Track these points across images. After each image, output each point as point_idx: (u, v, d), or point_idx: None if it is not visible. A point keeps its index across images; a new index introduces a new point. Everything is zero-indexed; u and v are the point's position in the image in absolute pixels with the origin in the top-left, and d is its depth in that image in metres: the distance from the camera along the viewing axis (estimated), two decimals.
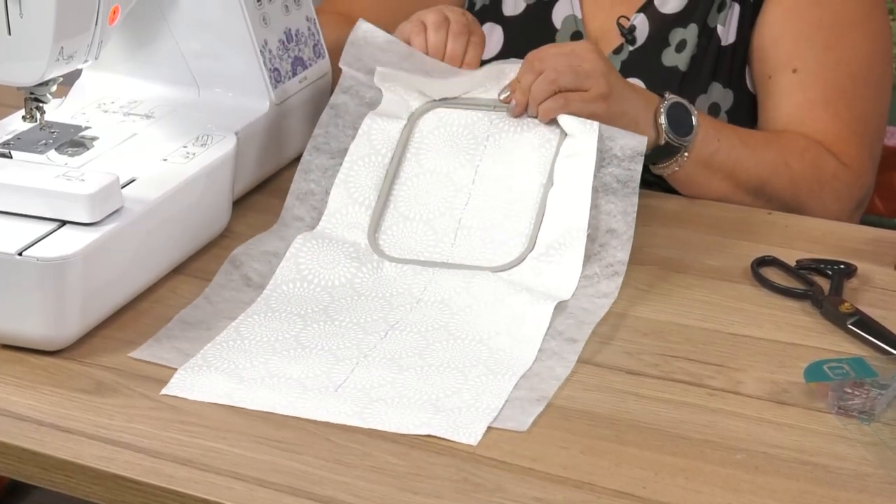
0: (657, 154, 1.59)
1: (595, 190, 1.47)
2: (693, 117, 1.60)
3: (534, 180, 1.50)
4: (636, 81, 1.72)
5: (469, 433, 1.21)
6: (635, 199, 1.48)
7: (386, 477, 1.16)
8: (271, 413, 1.24)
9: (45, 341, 1.32)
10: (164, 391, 1.27)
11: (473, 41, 1.61)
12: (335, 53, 1.67)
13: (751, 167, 1.64)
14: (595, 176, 1.47)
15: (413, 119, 1.56)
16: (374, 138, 1.54)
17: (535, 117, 1.53)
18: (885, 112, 1.76)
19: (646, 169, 1.54)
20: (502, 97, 1.55)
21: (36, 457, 1.20)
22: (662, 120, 1.58)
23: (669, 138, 1.58)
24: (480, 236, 1.48)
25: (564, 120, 1.51)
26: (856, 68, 1.70)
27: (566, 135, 1.52)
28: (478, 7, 1.85)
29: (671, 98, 1.60)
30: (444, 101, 1.58)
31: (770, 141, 1.67)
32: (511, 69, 1.57)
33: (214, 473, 1.17)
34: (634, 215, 1.47)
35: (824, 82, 1.70)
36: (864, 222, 1.76)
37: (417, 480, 1.16)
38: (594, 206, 1.46)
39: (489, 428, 1.22)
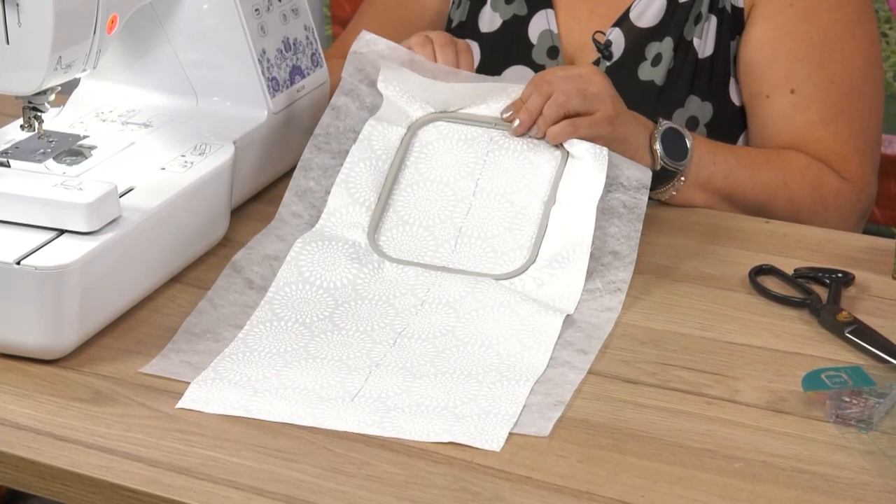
0: (654, 179, 1.60)
1: (600, 212, 1.48)
2: (687, 141, 1.61)
3: (536, 197, 1.51)
4: None
5: (492, 440, 1.21)
6: (639, 226, 1.49)
7: (384, 486, 1.16)
8: (269, 421, 1.24)
9: (43, 350, 1.32)
10: (179, 405, 1.27)
11: (461, 49, 1.63)
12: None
13: (749, 189, 1.64)
14: (601, 199, 1.48)
15: (413, 129, 1.57)
16: (374, 144, 1.55)
17: (538, 137, 1.54)
18: (880, 118, 1.76)
19: None
20: (505, 116, 1.55)
21: (34, 466, 1.20)
22: (658, 146, 1.59)
23: (665, 163, 1.59)
24: (481, 245, 1.48)
25: (574, 144, 1.52)
26: (850, 82, 1.71)
27: (569, 156, 1.53)
28: (454, 24, 1.85)
29: (665, 124, 1.61)
30: (445, 114, 1.58)
31: (769, 161, 1.67)
32: (514, 89, 1.57)
33: (212, 482, 1.17)
34: (638, 240, 1.48)
35: (822, 102, 1.70)
36: (862, 231, 1.76)
37: (415, 489, 1.16)
38: (598, 228, 1.47)
39: (510, 434, 1.22)
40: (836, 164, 1.69)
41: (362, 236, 1.49)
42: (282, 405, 1.26)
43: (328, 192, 1.52)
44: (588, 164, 1.50)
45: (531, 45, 1.79)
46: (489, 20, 1.82)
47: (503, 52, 1.80)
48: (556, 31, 1.78)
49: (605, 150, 1.51)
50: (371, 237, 1.48)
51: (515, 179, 1.53)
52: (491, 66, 1.80)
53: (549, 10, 1.79)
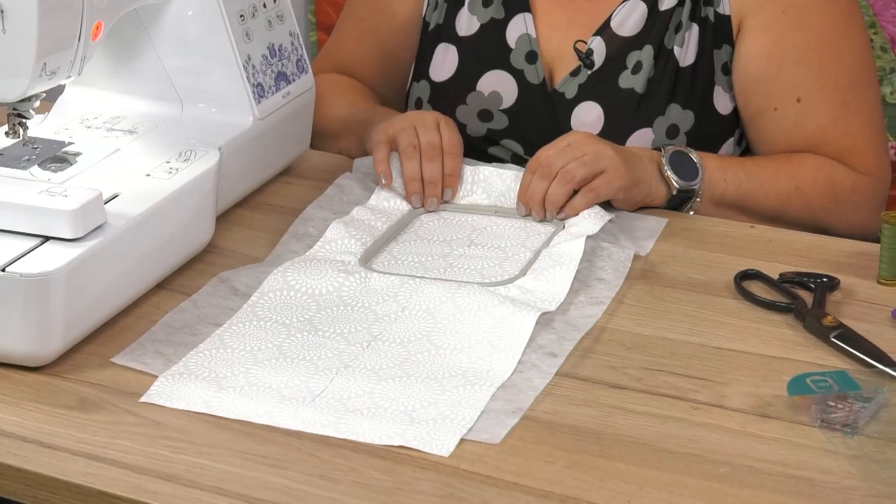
0: (673, 204, 1.63)
1: (591, 248, 1.51)
2: (693, 156, 1.64)
3: (528, 248, 1.54)
4: (593, 105, 1.73)
5: (441, 445, 1.22)
6: (628, 264, 1.51)
7: (371, 492, 1.16)
8: (256, 428, 1.24)
9: (29, 357, 1.32)
10: (143, 399, 1.27)
11: (449, 155, 1.64)
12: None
13: (761, 199, 1.67)
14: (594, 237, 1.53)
15: (417, 212, 1.62)
16: (377, 213, 1.59)
17: (558, 219, 1.58)
18: (880, 101, 1.78)
19: None
20: (523, 214, 1.60)
21: (20, 473, 1.20)
22: (668, 171, 1.62)
23: (680, 186, 1.62)
24: (471, 274, 1.50)
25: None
26: (851, 76, 1.72)
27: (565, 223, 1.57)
28: (431, 27, 1.84)
29: (669, 148, 1.64)
30: (449, 205, 1.64)
31: (779, 169, 1.69)
32: (508, 175, 1.63)
33: (199, 489, 1.17)
34: (627, 271, 1.50)
35: (829, 103, 1.71)
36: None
37: (402, 495, 1.16)
38: (587, 261, 1.50)
39: (468, 441, 1.22)
40: (851, 161, 1.71)
41: (353, 259, 1.50)
42: (242, 402, 1.27)
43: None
44: (584, 217, 1.55)
45: (509, 50, 1.79)
46: (466, 23, 1.82)
47: (481, 56, 1.80)
48: (534, 35, 1.78)
49: (607, 214, 1.56)
50: (363, 262, 1.50)
51: (511, 238, 1.57)
52: (469, 70, 1.79)
53: (528, 14, 1.79)
